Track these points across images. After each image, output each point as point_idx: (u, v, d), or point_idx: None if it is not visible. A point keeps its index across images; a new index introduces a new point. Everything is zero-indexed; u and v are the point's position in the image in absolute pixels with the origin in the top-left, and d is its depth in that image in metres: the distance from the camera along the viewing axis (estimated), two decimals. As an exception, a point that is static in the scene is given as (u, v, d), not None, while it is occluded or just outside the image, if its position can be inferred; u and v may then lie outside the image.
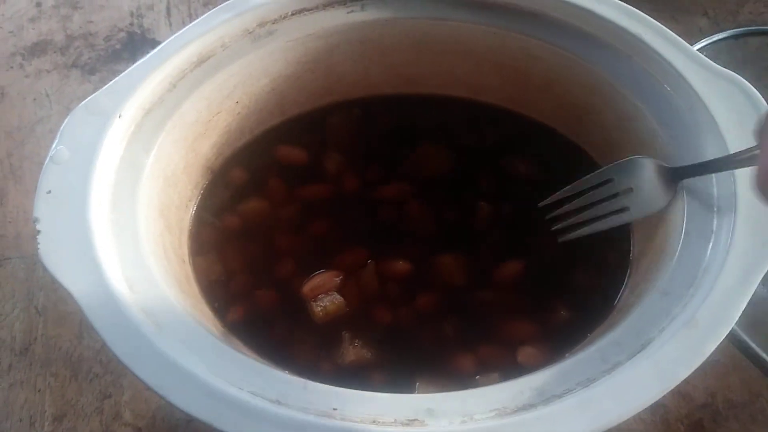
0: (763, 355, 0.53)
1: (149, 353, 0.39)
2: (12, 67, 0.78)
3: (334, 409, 0.38)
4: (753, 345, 0.53)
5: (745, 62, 0.67)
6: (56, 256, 0.42)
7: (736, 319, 0.40)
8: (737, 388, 0.57)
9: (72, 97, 0.75)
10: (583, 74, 0.53)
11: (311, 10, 0.54)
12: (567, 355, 0.45)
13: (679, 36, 0.50)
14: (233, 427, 0.37)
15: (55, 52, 0.79)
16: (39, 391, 0.57)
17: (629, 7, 0.51)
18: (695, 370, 0.39)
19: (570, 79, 0.54)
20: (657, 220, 0.49)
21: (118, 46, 0.80)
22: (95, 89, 0.73)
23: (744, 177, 0.44)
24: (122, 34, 0.81)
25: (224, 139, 0.56)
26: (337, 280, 0.51)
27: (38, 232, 0.43)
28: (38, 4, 0.83)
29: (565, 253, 0.52)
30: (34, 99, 0.75)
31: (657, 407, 0.56)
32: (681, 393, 0.57)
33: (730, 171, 0.44)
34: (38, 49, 0.80)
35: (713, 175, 0.46)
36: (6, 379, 0.58)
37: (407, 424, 0.38)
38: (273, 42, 0.54)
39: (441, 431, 0.37)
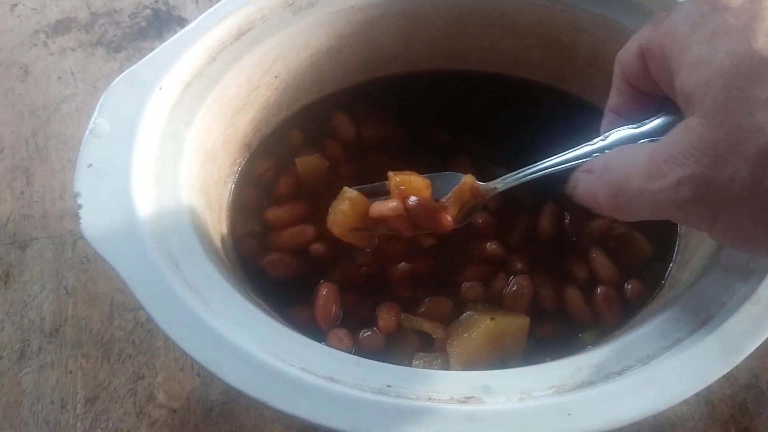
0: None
1: (198, 328, 0.38)
2: (36, 45, 0.77)
3: (389, 386, 0.37)
4: None
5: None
6: (99, 231, 0.41)
7: (800, 293, 0.39)
8: (781, 369, 0.56)
9: (98, 75, 0.74)
10: (632, 47, 0.52)
11: (353, -19, 0.53)
12: (618, 333, 0.45)
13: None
14: (286, 404, 0.36)
15: (79, 29, 0.78)
16: (70, 372, 0.57)
17: (680, -26, 0.50)
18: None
19: (617, 51, 0.53)
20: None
21: (143, 24, 0.79)
22: (121, 67, 0.74)
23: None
24: (147, 11, 0.80)
25: (262, 115, 0.55)
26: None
27: (80, 206, 0.42)
28: (60, -19, 0.82)
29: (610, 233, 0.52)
30: (59, 77, 0.74)
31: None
32: (725, 374, 0.56)
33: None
34: (62, 26, 0.78)
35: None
36: (36, 361, 0.57)
37: (464, 402, 0.37)
38: (314, 14, 0.53)
39: (499, 408, 0.36)
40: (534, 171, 0.46)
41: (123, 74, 0.47)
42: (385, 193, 0.50)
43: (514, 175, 0.47)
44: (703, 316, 0.40)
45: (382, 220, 0.49)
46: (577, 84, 0.57)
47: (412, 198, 0.48)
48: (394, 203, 0.48)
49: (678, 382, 0.37)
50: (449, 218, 0.48)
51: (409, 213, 0.48)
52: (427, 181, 0.49)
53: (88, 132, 0.45)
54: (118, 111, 0.45)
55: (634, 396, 0.36)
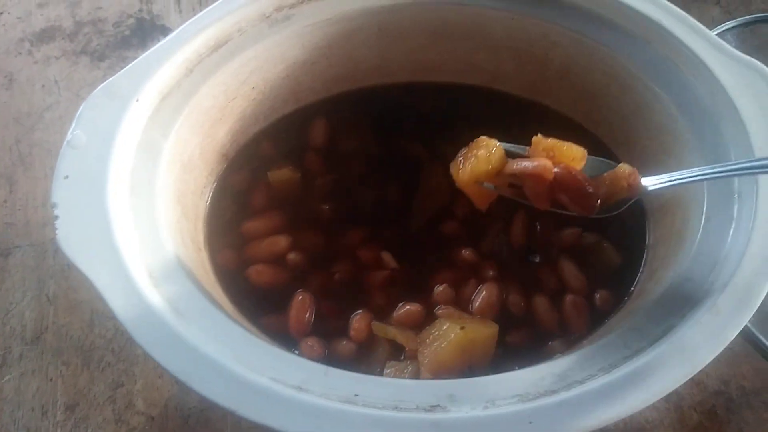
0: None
1: (171, 340, 0.39)
2: (20, 53, 0.78)
3: (356, 395, 0.38)
4: (762, 338, 0.53)
5: (758, 50, 0.67)
6: (75, 242, 0.42)
7: (758, 305, 0.40)
8: (750, 375, 0.57)
9: (81, 83, 0.75)
10: (602, 60, 0.53)
11: (329, -6, 0.54)
12: (585, 342, 0.45)
13: (692, 25, 0.50)
14: (256, 414, 0.37)
15: (63, 38, 0.78)
16: (51, 380, 0.57)
17: (648, -7, 0.51)
18: (715, 357, 0.39)
19: (589, 65, 0.54)
20: (674, 208, 0.49)
21: (127, 33, 0.79)
22: (105, 76, 0.74)
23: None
24: (131, 21, 0.80)
25: (239, 125, 0.56)
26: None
27: (56, 217, 0.43)
28: (46, -10, 0.83)
29: (579, 243, 0.52)
30: (43, 85, 0.75)
31: (670, 394, 0.55)
32: (694, 380, 0.57)
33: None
34: (46, 35, 0.79)
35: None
36: (17, 368, 0.58)
37: (429, 410, 0.37)
38: (290, 27, 0.54)
39: (463, 416, 0.37)
40: (703, 174, 0.44)
41: (101, 86, 0.47)
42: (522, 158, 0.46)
43: (681, 176, 0.45)
44: (665, 326, 0.40)
45: (518, 180, 0.45)
46: (550, 96, 0.58)
47: (563, 164, 0.44)
48: (542, 161, 0.44)
49: (637, 391, 0.38)
50: (598, 197, 0.44)
51: (556, 180, 0.44)
52: (584, 151, 0.46)
53: (65, 143, 0.45)
54: (96, 122, 0.46)
55: (595, 404, 0.37)
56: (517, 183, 0.46)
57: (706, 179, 0.44)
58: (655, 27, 0.50)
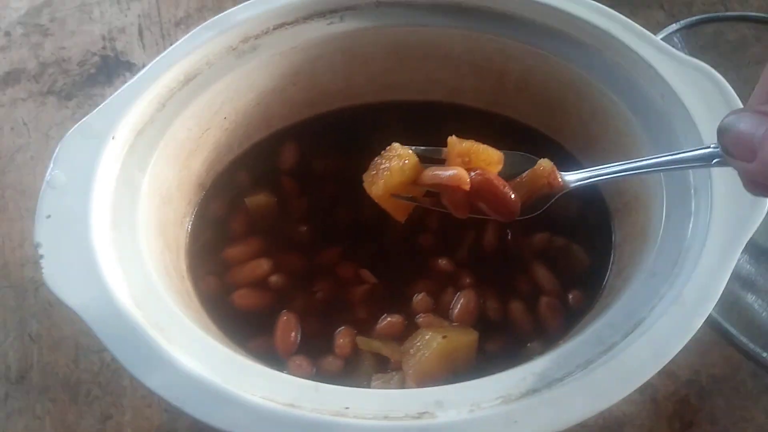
0: (737, 334, 0.55)
1: (162, 366, 0.40)
2: (-14, 97, 0.78)
3: (347, 408, 0.39)
4: (727, 325, 0.55)
5: (702, 50, 0.70)
6: (61, 279, 0.43)
7: (719, 294, 0.42)
8: (719, 363, 0.59)
9: (50, 123, 0.75)
10: (557, 71, 0.55)
11: (292, 23, 0.56)
12: (561, 342, 0.47)
13: (638, 28, 0.53)
14: (250, 432, 0.38)
15: (28, 80, 0.79)
16: (38, 418, 0.57)
17: (597, 3, 0.54)
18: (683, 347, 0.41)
19: (545, 76, 0.56)
20: (636, 206, 0.52)
21: (92, 71, 0.80)
22: (73, 114, 0.75)
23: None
24: (96, 58, 0.81)
25: (214, 155, 0.57)
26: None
27: (41, 256, 0.43)
28: (7, 33, 0.83)
29: (549, 247, 0.54)
30: (12, 128, 0.75)
31: (645, 386, 0.56)
32: (667, 372, 0.58)
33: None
34: (11, 78, 0.79)
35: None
36: (3, 409, 0.58)
37: (418, 417, 0.39)
38: (257, 57, 0.55)
39: (450, 421, 0.39)
40: (624, 170, 0.43)
41: (76, 126, 0.48)
42: (439, 162, 0.45)
43: (602, 169, 0.44)
44: (635, 320, 0.43)
45: (434, 189, 0.44)
46: (511, 107, 0.60)
47: (479, 170, 0.42)
48: (456, 170, 0.42)
49: (614, 384, 0.40)
50: (518, 203, 0.43)
51: (472, 187, 0.42)
52: (500, 154, 0.44)
53: (45, 184, 0.46)
54: (73, 162, 0.47)
55: (575, 400, 0.39)
56: (435, 191, 0.45)
57: (627, 174, 0.44)
58: (605, 36, 0.53)
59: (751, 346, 0.54)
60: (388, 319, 0.51)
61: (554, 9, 0.54)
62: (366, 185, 0.45)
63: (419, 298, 0.52)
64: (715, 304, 0.42)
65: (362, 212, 0.57)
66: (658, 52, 0.51)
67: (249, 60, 0.55)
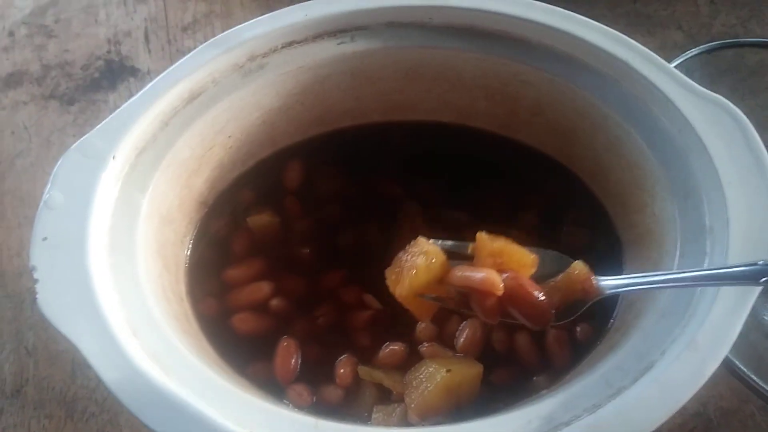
0: (746, 370, 0.53)
1: (158, 401, 0.39)
2: (-13, 100, 0.77)
3: (346, 446, 0.38)
4: (735, 360, 0.53)
5: (722, 74, 0.69)
6: (56, 306, 0.41)
7: (734, 339, 0.41)
8: (727, 395, 0.58)
9: (51, 128, 0.74)
10: (572, 99, 0.54)
11: (301, 42, 0.54)
12: (568, 376, 0.46)
13: (656, 49, 0.52)
14: (248, 470, 0.37)
15: (31, 82, 0.78)
16: (33, 433, 0.57)
17: (615, 32, 0.52)
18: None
19: (560, 103, 0.55)
20: (650, 242, 0.50)
21: (96, 75, 0.79)
22: (75, 120, 0.74)
23: (735, 200, 0.45)
24: (100, 62, 0.80)
25: (217, 173, 0.56)
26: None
27: (36, 281, 0.42)
28: (11, 34, 0.82)
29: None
30: (12, 132, 0.74)
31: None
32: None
33: (722, 195, 0.45)
34: (13, 80, 0.78)
35: (704, 198, 0.47)
36: (-2, 423, 0.57)
37: (419, 457, 0.38)
38: (264, 75, 0.54)
39: (452, 463, 0.38)
40: (663, 281, 0.42)
41: (75, 144, 0.47)
42: (466, 258, 0.43)
43: (640, 278, 0.43)
44: (646, 363, 0.41)
45: (462, 290, 0.42)
46: (523, 132, 0.59)
47: (511, 274, 0.40)
48: (488, 274, 0.41)
49: (621, 430, 0.38)
50: (552, 312, 0.41)
51: (505, 293, 0.41)
52: (534, 257, 0.42)
53: (41, 204, 0.45)
54: (72, 182, 0.46)
55: (581, 446, 0.38)
56: (463, 290, 0.43)
57: (668, 286, 0.42)
58: (623, 66, 0.51)
59: (760, 382, 0.53)
60: (391, 347, 0.50)
61: (572, 36, 0.52)
62: (390, 283, 0.43)
63: (423, 327, 0.51)
64: (729, 349, 0.41)
65: (367, 235, 0.56)
66: (677, 85, 0.49)
67: (255, 78, 0.54)
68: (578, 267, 0.43)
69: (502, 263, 0.42)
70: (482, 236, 0.42)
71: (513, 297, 0.41)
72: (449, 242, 0.44)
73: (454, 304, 0.44)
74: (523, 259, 0.42)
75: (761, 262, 0.37)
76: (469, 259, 0.43)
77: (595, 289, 0.43)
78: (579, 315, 0.44)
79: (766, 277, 0.37)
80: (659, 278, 0.43)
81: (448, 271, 0.42)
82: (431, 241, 0.43)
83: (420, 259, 0.41)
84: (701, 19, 0.82)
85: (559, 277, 0.43)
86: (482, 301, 0.41)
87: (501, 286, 0.41)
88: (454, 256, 0.44)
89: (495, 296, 0.41)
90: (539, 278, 0.44)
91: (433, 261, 0.42)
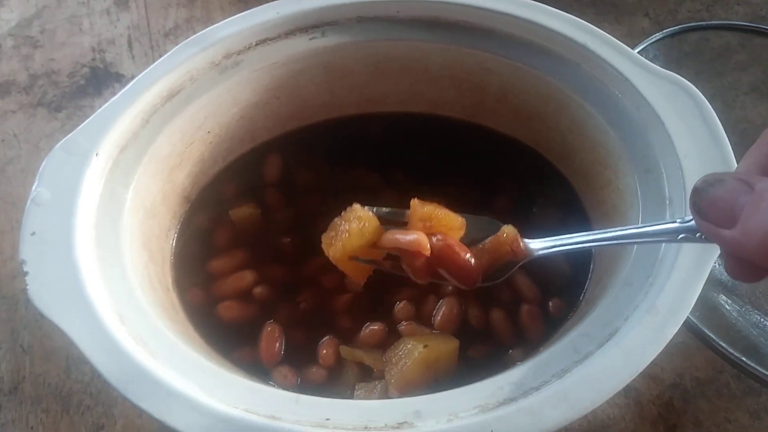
0: (716, 339, 0.55)
1: (145, 381, 0.41)
2: (-23, 110, 0.79)
3: (327, 419, 0.40)
4: (706, 330, 0.55)
5: (686, 57, 0.71)
6: (46, 296, 0.43)
7: (693, 303, 0.43)
8: (702, 366, 0.60)
9: (40, 135, 0.76)
10: (536, 84, 0.56)
11: (274, 39, 0.56)
12: (542, 348, 0.48)
13: (623, 36, 0.54)
14: (232, 445, 0.39)
15: (19, 92, 0.80)
16: (31, 428, 0.58)
17: (574, 17, 0.54)
18: (661, 353, 0.41)
19: (524, 89, 0.57)
20: (615, 217, 0.52)
21: (82, 82, 0.81)
22: (63, 126, 0.76)
23: (691, 171, 0.47)
24: (85, 70, 0.82)
25: (198, 168, 0.58)
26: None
27: (26, 273, 0.44)
28: (-3, 45, 0.84)
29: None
30: (2, 140, 0.76)
31: (629, 390, 0.58)
32: (651, 375, 0.60)
33: (679, 167, 0.47)
34: (2, 90, 0.80)
35: (663, 171, 0.49)
36: (-4, 420, 0.59)
37: (397, 427, 0.40)
38: (239, 72, 0.56)
39: (429, 431, 0.39)
40: (589, 240, 0.43)
41: (60, 143, 0.49)
42: (400, 224, 0.44)
43: (568, 239, 0.44)
44: (610, 330, 0.43)
45: (394, 252, 0.43)
46: (491, 118, 0.61)
47: (440, 236, 0.42)
48: (417, 235, 0.42)
49: (588, 393, 0.40)
50: (479, 271, 0.42)
51: (433, 253, 0.42)
52: (462, 220, 0.43)
53: (29, 201, 0.47)
54: (58, 178, 0.48)
55: (550, 408, 0.40)
56: (395, 254, 0.44)
57: (592, 245, 0.44)
58: (582, 49, 0.53)
59: (730, 350, 0.55)
60: (371, 327, 0.52)
61: (532, 23, 0.54)
62: (324, 246, 0.44)
63: (400, 306, 0.53)
64: (688, 313, 0.43)
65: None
66: (634, 66, 0.52)
67: (232, 75, 0.55)
68: (507, 230, 0.44)
69: (432, 226, 0.43)
70: (414, 202, 0.43)
71: (441, 257, 0.42)
72: (385, 209, 0.45)
73: (387, 267, 0.45)
74: (452, 222, 0.43)
75: (678, 221, 0.39)
76: (403, 225, 0.44)
77: (523, 250, 0.44)
78: (508, 277, 0.45)
79: (682, 234, 0.38)
80: (585, 238, 0.44)
81: (381, 235, 0.44)
82: (366, 208, 0.44)
83: (354, 224, 0.42)
84: (668, 6, 0.84)
85: (488, 239, 0.44)
86: (412, 261, 0.42)
87: (428, 246, 0.42)
88: (390, 223, 0.45)
89: (423, 256, 0.42)
90: (472, 242, 0.45)
91: (366, 225, 0.43)
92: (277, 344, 0.51)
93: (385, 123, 0.63)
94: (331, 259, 0.45)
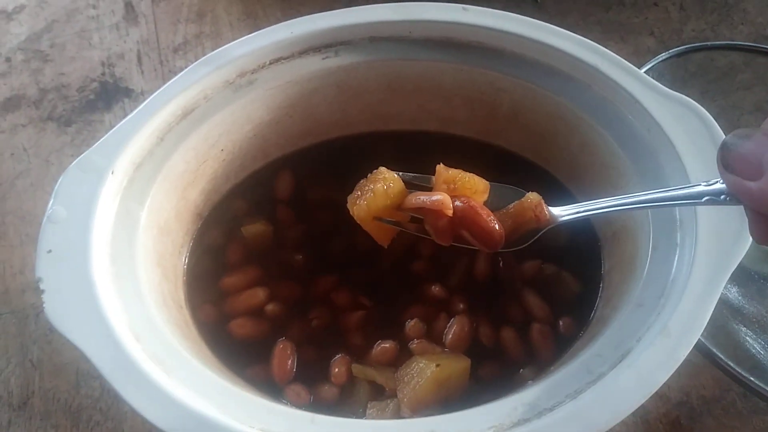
0: (724, 358, 0.55)
1: (161, 399, 0.41)
2: (-13, 124, 0.79)
3: (343, 439, 0.40)
4: (714, 349, 0.56)
5: (692, 77, 0.72)
6: (63, 314, 0.44)
7: (705, 325, 0.43)
8: (709, 385, 0.60)
9: (50, 149, 0.76)
10: (547, 104, 0.57)
11: (288, 58, 0.57)
12: (553, 367, 0.48)
13: (629, 55, 0.54)
14: (248, 464, 0.39)
15: (28, 106, 0.80)
16: (41, 443, 0.58)
17: (586, 39, 0.55)
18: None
19: (535, 108, 0.58)
20: (624, 236, 0.53)
21: (92, 96, 0.81)
22: (73, 141, 0.76)
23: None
24: (95, 84, 0.82)
25: (211, 185, 0.58)
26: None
27: (42, 291, 0.44)
28: (8, 59, 0.84)
29: (540, 274, 0.56)
30: (12, 154, 0.76)
31: (637, 409, 0.58)
32: (658, 393, 0.58)
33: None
34: (11, 104, 0.80)
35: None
36: (6, 435, 0.59)
37: (412, 448, 0.40)
38: (253, 91, 0.56)
39: (444, 451, 0.40)
40: (612, 206, 0.43)
41: (76, 161, 0.49)
42: (426, 190, 0.44)
43: (590, 205, 0.44)
44: (623, 350, 0.43)
45: (418, 214, 0.43)
46: (502, 137, 0.62)
47: (463, 198, 0.42)
48: (440, 196, 0.42)
49: (602, 414, 0.41)
50: (502, 233, 0.42)
51: (456, 214, 0.42)
52: (486, 183, 0.44)
53: (45, 219, 0.47)
54: (73, 197, 0.48)
55: (564, 429, 0.40)
56: (419, 216, 0.44)
57: (616, 209, 0.44)
58: (593, 71, 0.54)
59: (737, 369, 0.55)
60: (382, 345, 0.52)
61: (544, 45, 0.55)
62: (349, 206, 0.44)
63: (412, 324, 0.53)
64: (700, 334, 0.43)
65: (357, 240, 0.58)
66: (644, 87, 0.52)
67: (246, 93, 0.56)
68: (531, 196, 0.45)
69: (456, 188, 0.43)
70: (440, 167, 0.44)
71: (464, 219, 0.42)
72: (411, 174, 0.45)
73: (411, 228, 0.44)
74: (476, 185, 0.43)
75: (703, 183, 0.39)
76: (429, 190, 0.44)
77: (546, 216, 0.44)
78: (532, 243, 0.45)
79: (706, 196, 0.39)
80: (608, 204, 0.44)
81: (405, 197, 0.44)
82: (392, 171, 0.45)
83: (379, 185, 0.43)
84: (672, 25, 0.85)
85: (512, 204, 0.44)
86: (435, 222, 0.42)
87: (450, 205, 0.42)
88: (415, 188, 0.45)
89: (446, 216, 0.42)
90: (495, 208, 0.45)
91: (391, 186, 0.43)
92: (290, 362, 0.52)
93: (397, 140, 0.63)
94: (355, 218, 0.44)
